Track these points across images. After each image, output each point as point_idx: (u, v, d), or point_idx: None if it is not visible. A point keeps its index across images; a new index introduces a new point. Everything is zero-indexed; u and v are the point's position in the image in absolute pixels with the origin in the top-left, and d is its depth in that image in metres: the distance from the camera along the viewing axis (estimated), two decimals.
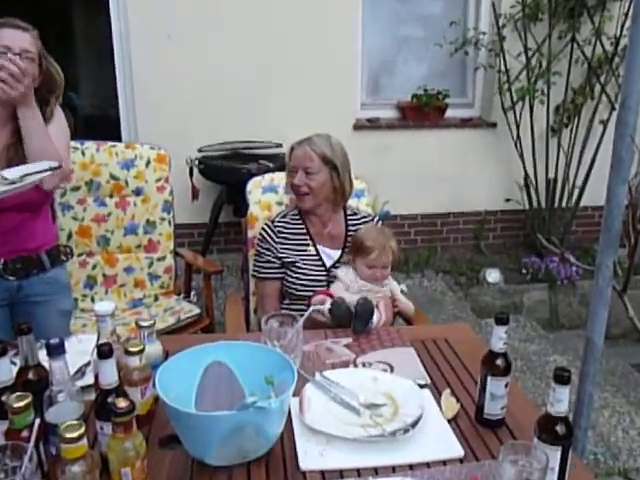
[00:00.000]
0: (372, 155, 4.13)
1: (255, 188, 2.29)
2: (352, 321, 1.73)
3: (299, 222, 2.08)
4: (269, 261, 2.04)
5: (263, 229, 2.07)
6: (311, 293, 1.95)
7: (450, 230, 4.49)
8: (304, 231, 2.07)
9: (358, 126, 4.13)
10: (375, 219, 2.14)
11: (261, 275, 2.07)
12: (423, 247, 4.40)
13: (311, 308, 1.60)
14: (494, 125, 4.26)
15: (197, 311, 2.49)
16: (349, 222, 2.10)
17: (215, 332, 2.58)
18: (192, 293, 2.67)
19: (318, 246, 2.06)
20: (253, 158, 3.74)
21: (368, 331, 1.74)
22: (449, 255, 4.38)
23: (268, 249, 2.04)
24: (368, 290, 1.93)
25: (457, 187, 4.34)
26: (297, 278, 2.01)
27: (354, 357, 1.60)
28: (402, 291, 2.04)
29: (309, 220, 2.08)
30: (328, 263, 2.06)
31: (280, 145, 3.67)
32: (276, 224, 2.06)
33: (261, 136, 3.87)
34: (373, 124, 4.17)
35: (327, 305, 1.75)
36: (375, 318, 1.76)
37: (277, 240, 2.04)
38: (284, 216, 2.09)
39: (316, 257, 2.05)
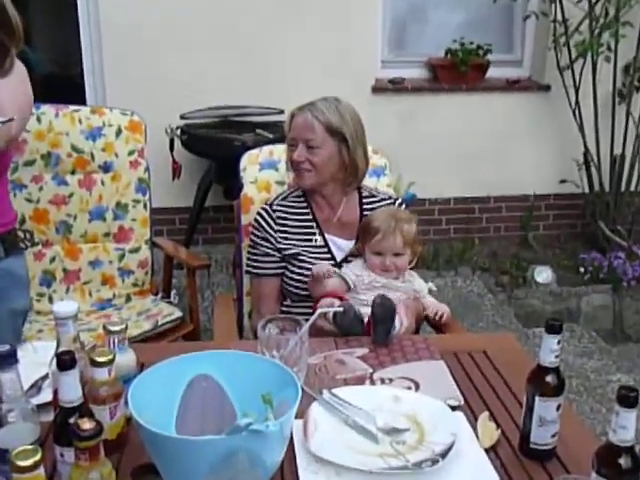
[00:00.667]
0: (395, 124, 4.13)
1: (250, 164, 2.29)
2: (373, 327, 1.73)
3: (303, 206, 2.08)
4: (266, 254, 2.05)
5: (259, 214, 2.07)
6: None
7: (491, 218, 4.48)
8: (309, 217, 2.08)
9: (378, 88, 4.12)
10: (397, 202, 2.14)
11: (257, 271, 2.07)
12: (457, 238, 4.40)
13: (317, 311, 1.60)
14: (547, 88, 4.24)
15: (178, 314, 2.51)
16: (365, 206, 2.11)
17: (201, 340, 2.60)
18: (172, 292, 2.68)
19: (326, 235, 2.07)
20: (248, 127, 3.73)
21: (391, 340, 1.74)
22: (489, 249, 4.36)
23: (265, 239, 2.05)
24: (382, 286, 1.94)
25: (500, 165, 4.33)
26: (301, 274, 2.02)
27: (371, 372, 1.60)
28: (430, 291, 2.05)
29: (315, 203, 2.08)
30: (339, 256, 2.06)
31: (281, 111, 3.67)
32: (275, 208, 2.06)
33: (259, 100, 3.87)
34: (397, 86, 4.16)
35: (334, 309, 1.75)
36: (397, 323, 1.76)
37: (276, 228, 2.04)
38: (284, 198, 2.09)
39: (324, 248, 2.06)
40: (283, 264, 2.05)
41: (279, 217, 2.05)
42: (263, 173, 2.28)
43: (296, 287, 2.03)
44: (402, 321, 1.79)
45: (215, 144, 3.61)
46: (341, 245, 2.08)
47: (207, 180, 3.83)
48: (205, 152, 3.71)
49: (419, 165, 4.12)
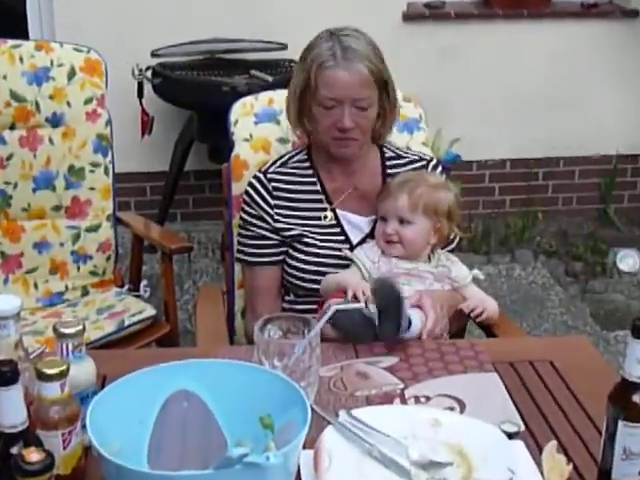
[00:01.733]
0: (433, 63, 4.10)
1: (244, 116, 2.28)
2: (378, 323, 1.73)
3: (308, 173, 2.08)
4: (262, 236, 2.05)
5: (250, 185, 2.07)
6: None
7: (559, 186, 4.46)
8: (316, 187, 2.07)
9: (411, 16, 4.09)
10: (432, 164, 2.13)
11: (250, 258, 2.08)
12: (514, 213, 4.39)
13: (332, 308, 1.60)
14: (635, 14, 4.20)
15: (151, 312, 2.51)
16: (388, 171, 2.10)
17: (179, 345, 2.60)
18: (142, 284, 2.69)
19: (339, 211, 2.07)
20: (241, 67, 3.72)
21: (403, 337, 1.74)
22: (557, 226, 4.35)
23: (259, 217, 2.05)
24: (406, 274, 1.93)
25: (572, 115, 4.31)
26: (305, 262, 2.03)
27: (402, 387, 1.61)
28: (475, 279, 2.04)
29: (325, 169, 2.08)
30: (354, 237, 2.06)
31: (284, 46, 3.66)
32: (270, 176, 2.06)
33: (254, 32, 3.85)
34: (436, 12, 4.13)
35: (353, 305, 1.74)
36: (418, 319, 1.76)
37: (272, 203, 2.05)
38: (284, 163, 2.09)
39: (336, 228, 2.06)
40: (283, 249, 2.05)
41: (276, 188, 2.05)
42: (260, 128, 2.27)
43: (300, 278, 2.03)
44: (428, 317, 1.78)
45: (197, 90, 3.60)
46: (358, 223, 2.07)
47: (187, 137, 3.83)
48: (184, 100, 3.70)
49: (465, 116, 4.09)
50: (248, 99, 2.32)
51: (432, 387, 1.61)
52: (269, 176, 2.06)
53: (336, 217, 2.07)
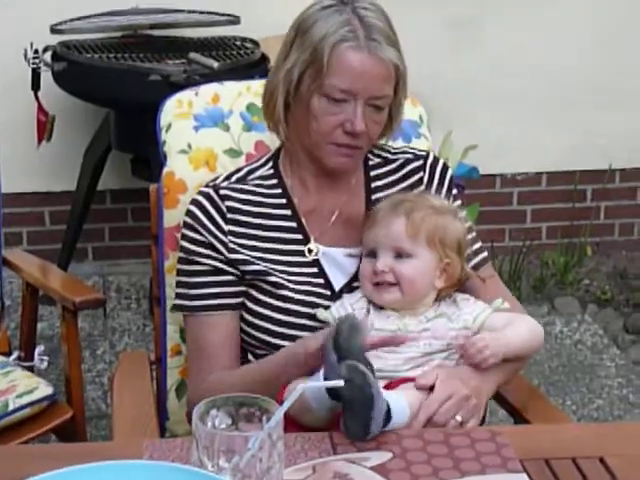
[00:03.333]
0: (443, 43, 4.12)
1: (179, 117, 2.29)
2: (342, 410, 1.71)
3: (275, 191, 2.11)
4: (214, 269, 2.05)
5: (196, 203, 2.07)
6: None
7: (614, 209, 4.50)
8: (287, 212, 2.10)
9: None
10: (430, 161, 2.17)
11: (196, 302, 2.07)
12: (552, 245, 4.41)
13: (299, 386, 1.60)
14: None
15: (46, 390, 2.50)
16: (373, 184, 2.15)
17: (87, 438, 2.62)
18: (37, 350, 2.68)
19: (315, 244, 2.09)
20: (175, 49, 3.73)
21: (375, 433, 1.72)
22: (613, 264, 4.37)
23: (208, 245, 2.05)
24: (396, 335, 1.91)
25: (631, 114, 4.35)
26: (273, 307, 2.03)
27: None
28: (498, 309, 2.02)
29: (298, 186, 2.11)
30: (337, 281, 2.08)
31: (235, 19, 3.68)
32: (225, 192, 2.07)
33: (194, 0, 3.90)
34: None
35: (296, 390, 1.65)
36: (405, 405, 1.76)
37: (227, 227, 2.06)
38: (241, 178, 2.11)
39: (312, 267, 2.08)
40: (242, 288, 2.06)
41: (231, 209, 2.06)
42: (202, 135, 2.28)
43: (265, 330, 2.04)
44: (415, 402, 1.79)
45: (115, 79, 3.61)
46: (340, 259, 2.09)
47: (101, 144, 3.84)
48: (97, 93, 3.71)
49: (483, 115, 4.12)
50: (185, 94, 2.33)
51: None
52: (222, 192, 2.07)
53: (313, 251, 2.09)
